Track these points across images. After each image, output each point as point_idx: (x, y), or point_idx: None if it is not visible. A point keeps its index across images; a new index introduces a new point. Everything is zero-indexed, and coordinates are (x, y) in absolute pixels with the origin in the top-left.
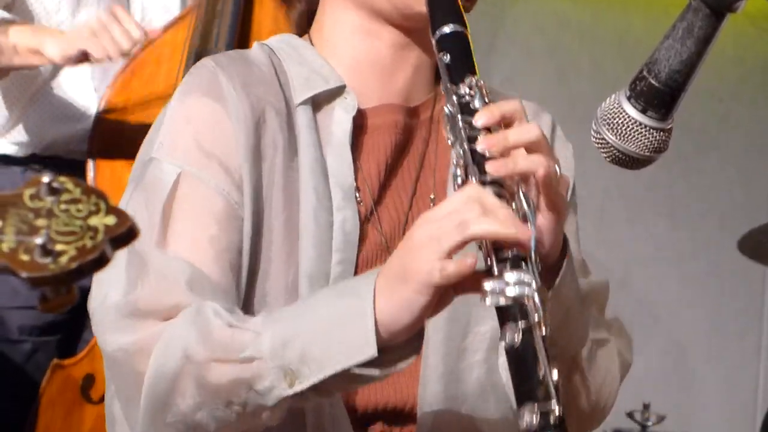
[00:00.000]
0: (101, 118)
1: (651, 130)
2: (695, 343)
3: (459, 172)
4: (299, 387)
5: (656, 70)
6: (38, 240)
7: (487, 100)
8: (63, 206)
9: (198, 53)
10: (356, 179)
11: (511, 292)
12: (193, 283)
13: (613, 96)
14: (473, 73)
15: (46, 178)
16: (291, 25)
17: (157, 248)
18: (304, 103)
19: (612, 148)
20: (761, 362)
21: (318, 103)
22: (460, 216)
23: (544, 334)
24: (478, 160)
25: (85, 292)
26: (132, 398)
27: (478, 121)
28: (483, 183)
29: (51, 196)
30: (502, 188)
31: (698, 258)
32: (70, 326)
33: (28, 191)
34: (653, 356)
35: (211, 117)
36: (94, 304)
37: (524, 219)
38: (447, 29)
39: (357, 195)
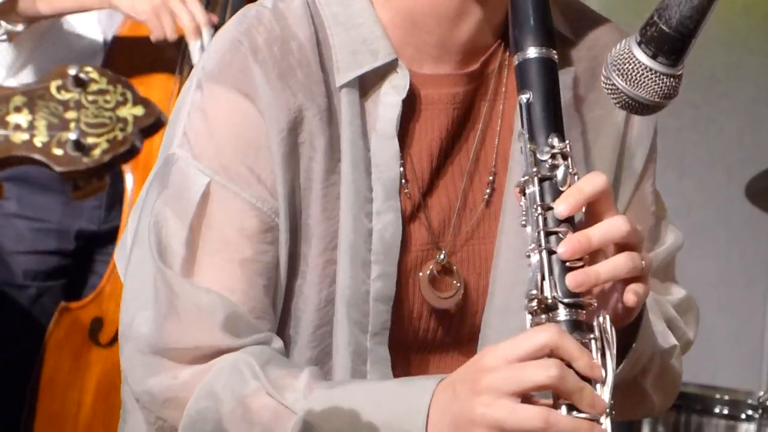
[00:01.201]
0: (112, 50)
1: (661, 76)
2: (703, 292)
3: (524, 216)
4: None
5: (667, 15)
6: (71, 135)
7: (572, 171)
8: (91, 97)
9: None
10: (405, 168)
11: None
12: (228, 322)
13: (623, 42)
14: (560, 129)
15: (72, 69)
16: None
17: (184, 273)
18: (348, 84)
19: (622, 94)
20: None
21: (364, 81)
22: (533, 377)
23: None
24: (557, 272)
25: (91, 236)
26: None
27: (560, 208)
28: (559, 301)
29: (78, 86)
30: (581, 308)
31: (706, 207)
32: (75, 271)
33: (55, 83)
34: None
35: (241, 116)
36: (123, 325)
37: (601, 350)
38: (532, 53)
39: (404, 185)
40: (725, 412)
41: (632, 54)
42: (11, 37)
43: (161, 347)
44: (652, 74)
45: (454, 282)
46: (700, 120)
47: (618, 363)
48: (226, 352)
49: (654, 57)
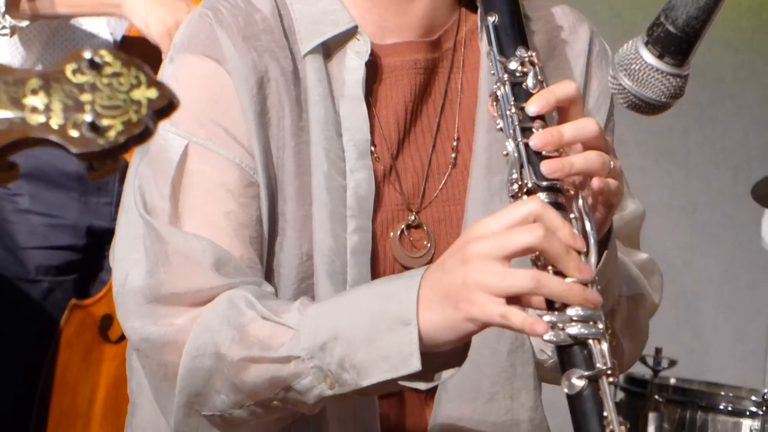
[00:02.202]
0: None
1: (667, 76)
2: (707, 291)
3: (498, 119)
4: (339, 390)
5: (674, 16)
6: (86, 117)
7: (540, 78)
8: (105, 80)
9: None
10: (372, 132)
11: (574, 330)
12: (219, 264)
13: (630, 42)
14: (524, 41)
15: (87, 53)
16: None
17: (171, 225)
18: (312, 51)
19: (629, 94)
20: None
21: (328, 48)
22: (520, 240)
23: (612, 381)
24: (533, 160)
25: (102, 233)
26: (161, 389)
27: (531, 107)
28: (538, 186)
29: (92, 70)
30: (560, 192)
31: (712, 207)
32: (86, 267)
33: (70, 66)
34: (666, 302)
35: (212, 80)
36: (115, 286)
37: (582, 230)
38: None
39: (373, 149)
40: (729, 408)
41: (639, 54)
42: (13, 32)
43: (156, 295)
44: (658, 74)
45: (425, 242)
46: (706, 121)
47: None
48: (219, 294)
49: (660, 57)
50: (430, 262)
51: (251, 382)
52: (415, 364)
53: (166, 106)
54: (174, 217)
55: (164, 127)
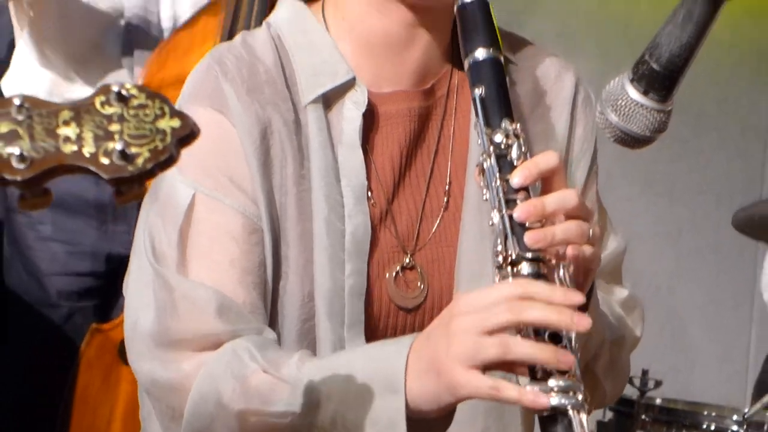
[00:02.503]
0: None
1: (652, 111)
2: (692, 314)
3: (484, 189)
4: None
5: (657, 54)
6: (116, 145)
7: (524, 149)
8: (132, 111)
9: (232, 34)
10: (369, 178)
11: (555, 400)
12: (222, 310)
13: (617, 79)
14: (509, 114)
15: (114, 87)
16: None
17: (179, 273)
18: (313, 101)
19: (615, 129)
20: (753, 332)
21: (327, 99)
22: (500, 318)
23: None
24: (517, 231)
25: (121, 259)
26: (169, 428)
27: (515, 179)
28: (522, 257)
29: (120, 102)
30: (542, 262)
31: (695, 233)
32: (106, 292)
33: (99, 99)
34: (652, 325)
35: (217, 131)
36: (127, 329)
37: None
38: (481, 54)
39: (370, 195)
40: (713, 427)
41: (625, 91)
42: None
43: (164, 341)
44: (643, 110)
45: (419, 283)
46: (690, 152)
47: None
48: (223, 339)
49: (645, 93)
50: (424, 302)
51: (250, 431)
52: (401, 430)
53: (188, 134)
54: (181, 264)
55: (173, 175)
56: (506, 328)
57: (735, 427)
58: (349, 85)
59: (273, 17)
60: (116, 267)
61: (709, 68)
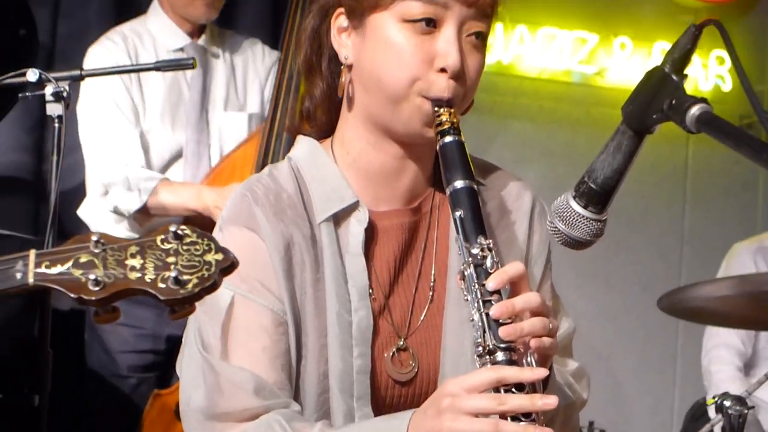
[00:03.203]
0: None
1: (591, 221)
2: (627, 377)
3: (465, 293)
4: None
5: (594, 176)
6: (172, 274)
7: (496, 260)
8: (185, 247)
9: (265, 162)
10: (370, 279)
11: None
12: (258, 389)
13: (562, 196)
14: (483, 232)
15: (172, 227)
16: (315, 133)
17: (222, 360)
18: (325, 221)
19: (563, 234)
20: (676, 391)
21: (337, 217)
22: (480, 404)
23: None
24: (492, 326)
25: (177, 339)
26: None
27: (490, 284)
28: (497, 347)
29: (176, 239)
30: (513, 351)
31: (628, 314)
32: (165, 366)
33: (159, 237)
34: (595, 386)
35: (250, 246)
36: (182, 404)
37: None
38: (460, 184)
39: (371, 292)
40: None
41: (569, 205)
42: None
43: (212, 414)
44: (584, 219)
45: (411, 362)
46: (622, 250)
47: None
48: (259, 413)
49: (585, 207)
50: (415, 376)
51: None
52: None
53: (229, 265)
54: (224, 352)
55: None
56: (491, 413)
57: None
58: (353, 207)
59: (293, 152)
60: (173, 346)
61: (636, 184)
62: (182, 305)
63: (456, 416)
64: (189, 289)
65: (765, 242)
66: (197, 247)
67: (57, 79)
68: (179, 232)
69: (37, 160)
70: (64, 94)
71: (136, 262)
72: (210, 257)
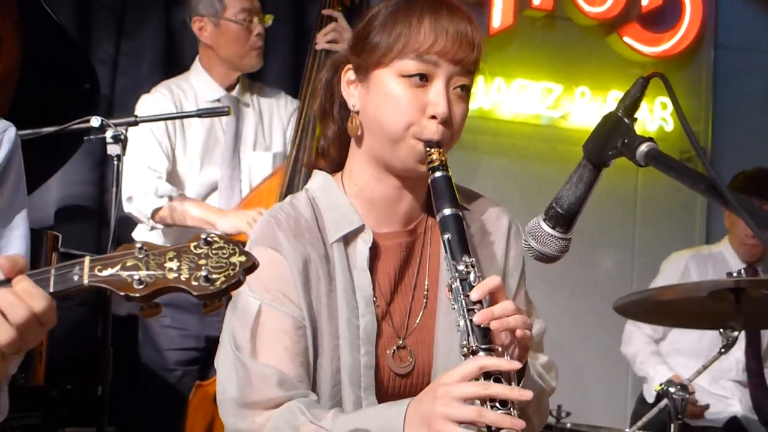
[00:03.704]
0: None
1: (558, 239)
2: (588, 368)
3: (452, 302)
4: None
5: (561, 202)
6: (203, 273)
7: (479, 274)
8: (214, 251)
9: (287, 192)
10: (374, 289)
11: None
12: (282, 382)
13: (534, 219)
14: (468, 252)
15: (203, 235)
16: (328, 167)
17: (251, 358)
18: (336, 241)
19: (535, 251)
20: (629, 379)
21: (346, 238)
22: (470, 390)
23: None
24: (476, 331)
25: (215, 339)
26: None
27: (473, 295)
28: (480, 348)
29: (206, 245)
30: (493, 352)
31: (589, 315)
32: (205, 361)
33: (192, 243)
34: (562, 376)
35: (274, 263)
36: (218, 394)
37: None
38: (447, 212)
39: (375, 300)
40: None
41: (540, 226)
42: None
43: (242, 403)
44: (552, 238)
45: (408, 358)
46: (585, 263)
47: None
48: (282, 401)
49: (553, 227)
50: (412, 370)
51: None
52: None
53: (251, 266)
54: (253, 351)
55: (246, 293)
56: (478, 398)
57: None
58: (360, 229)
59: (310, 184)
60: (211, 344)
61: (595, 207)
62: (212, 300)
63: (448, 402)
64: (218, 286)
65: (700, 252)
66: (224, 251)
67: (116, 125)
68: (209, 239)
69: (99, 192)
70: (122, 137)
71: (173, 264)
72: (235, 259)
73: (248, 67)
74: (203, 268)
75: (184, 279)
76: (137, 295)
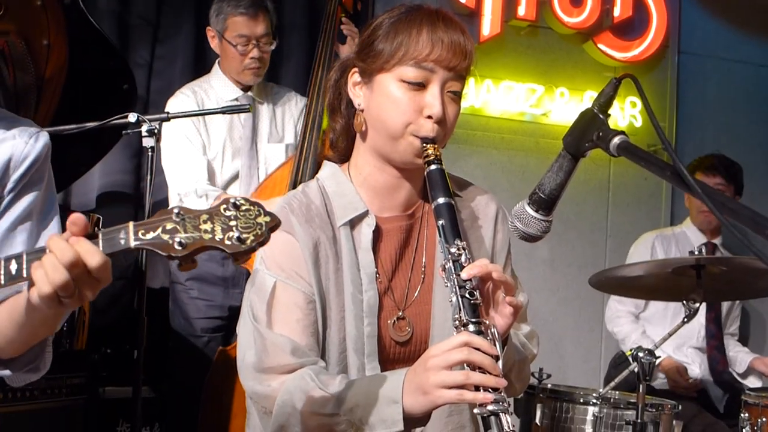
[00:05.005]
0: None
1: (540, 221)
2: (566, 334)
3: (446, 281)
4: None
5: (543, 188)
6: (234, 233)
7: (470, 256)
8: (242, 213)
9: (296, 179)
10: (377, 267)
11: (492, 407)
12: (294, 350)
13: (520, 203)
14: (459, 236)
15: (232, 200)
16: (337, 157)
17: (267, 328)
18: (343, 225)
19: (520, 231)
20: (602, 345)
21: (352, 222)
22: (457, 357)
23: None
24: (466, 306)
25: (237, 309)
26: (263, 419)
27: (464, 274)
28: (470, 321)
29: (235, 208)
30: (480, 324)
31: (567, 289)
32: (228, 329)
33: (222, 206)
34: (543, 341)
35: (288, 245)
36: (238, 360)
37: (493, 343)
38: (441, 200)
39: (378, 277)
40: (581, 401)
41: (525, 209)
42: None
43: (259, 368)
44: (536, 220)
45: (407, 328)
46: (563, 241)
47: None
48: (295, 368)
49: (536, 211)
50: (411, 338)
51: (311, 425)
52: (400, 426)
53: (275, 225)
54: (269, 323)
55: (263, 270)
56: (461, 363)
57: (594, 400)
58: (364, 214)
59: (320, 174)
60: (234, 314)
61: (573, 193)
62: (243, 256)
63: (438, 371)
64: (248, 245)
65: (664, 233)
66: (251, 212)
67: (150, 120)
68: (236, 202)
69: (136, 180)
70: (156, 131)
71: (208, 226)
72: (261, 219)
73: (245, 83)
74: (234, 228)
75: (218, 239)
76: (179, 255)
